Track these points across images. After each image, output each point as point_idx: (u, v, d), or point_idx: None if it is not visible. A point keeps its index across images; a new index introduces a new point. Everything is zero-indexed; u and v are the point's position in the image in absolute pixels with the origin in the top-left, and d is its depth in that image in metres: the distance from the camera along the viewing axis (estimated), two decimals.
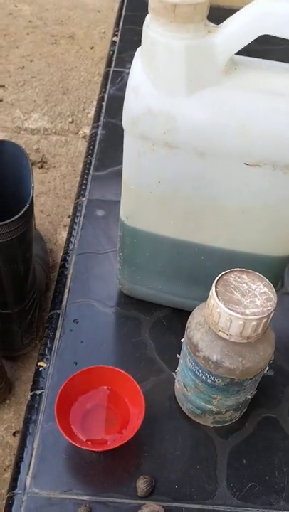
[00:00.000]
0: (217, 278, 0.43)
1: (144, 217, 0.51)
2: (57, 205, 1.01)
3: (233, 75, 0.42)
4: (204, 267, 0.54)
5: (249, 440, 0.53)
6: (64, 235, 0.96)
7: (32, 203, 0.59)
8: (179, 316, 0.63)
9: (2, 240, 0.57)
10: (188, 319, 0.47)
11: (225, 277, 0.43)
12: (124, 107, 0.44)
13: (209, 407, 0.49)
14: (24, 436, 0.53)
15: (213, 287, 0.42)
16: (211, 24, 0.41)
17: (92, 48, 1.46)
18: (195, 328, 0.46)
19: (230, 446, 0.52)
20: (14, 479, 0.50)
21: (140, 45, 0.42)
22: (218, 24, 0.41)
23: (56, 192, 1.03)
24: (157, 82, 0.42)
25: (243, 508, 0.48)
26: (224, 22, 0.40)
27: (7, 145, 0.64)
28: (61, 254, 0.92)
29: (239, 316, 0.40)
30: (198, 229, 0.50)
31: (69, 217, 0.99)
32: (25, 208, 0.56)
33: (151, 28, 0.40)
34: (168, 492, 0.49)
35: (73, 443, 0.46)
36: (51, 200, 1.02)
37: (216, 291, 0.42)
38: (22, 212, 0.56)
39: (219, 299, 0.41)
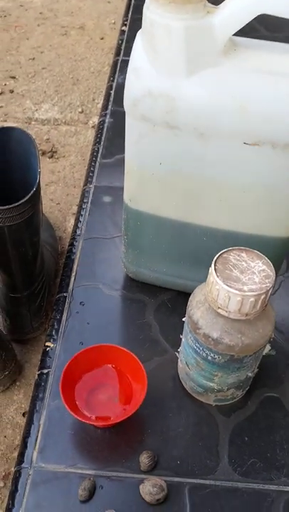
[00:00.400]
0: (216, 256, 0.43)
1: (146, 199, 0.52)
2: (66, 194, 1.02)
3: (233, 55, 0.43)
4: (207, 249, 0.54)
5: (251, 418, 0.54)
6: (73, 223, 0.97)
7: (38, 188, 0.60)
8: (183, 299, 0.63)
9: (9, 224, 0.58)
10: (190, 298, 0.48)
11: (224, 255, 0.44)
12: (125, 89, 0.44)
13: (211, 384, 0.50)
14: (31, 413, 0.54)
15: (213, 265, 0.43)
16: (210, 5, 0.41)
17: (102, 38, 1.47)
18: (195, 307, 0.46)
19: (232, 424, 0.53)
20: (21, 454, 0.52)
21: None
22: (217, 5, 0.42)
23: (66, 181, 1.05)
24: (157, 64, 0.42)
25: (244, 484, 0.49)
26: (223, 2, 0.41)
27: (15, 132, 0.66)
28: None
29: (237, 292, 0.41)
30: (200, 210, 0.51)
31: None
32: (32, 191, 0.58)
33: (151, 10, 0.41)
34: (170, 467, 0.50)
35: (78, 417, 0.48)
36: (61, 189, 1.03)
37: (215, 269, 0.43)
38: (28, 196, 0.57)
39: (218, 276, 0.42)
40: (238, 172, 0.46)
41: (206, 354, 0.47)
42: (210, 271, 0.43)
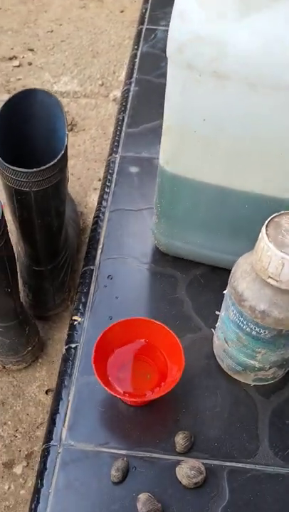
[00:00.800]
0: (268, 220, 0.40)
1: (185, 161, 0.48)
2: (87, 169, 0.99)
3: None
4: (248, 218, 0.51)
5: None
6: (94, 197, 0.94)
7: (66, 151, 0.56)
8: (217, 274, 0.60)
9: (36, 189, 0.55)
10: (233, 269, 0.45)
11: (276, 220, 0.40)
12: (168, 34, 0.40)
13: (252, 362, 0.47)
14: (59, 388, 0.51)
15: (264, 229, 0.39)
16: None
17: (122, 11, 1.42)
18: (240, 277, 0.43)
19: (272, 406, 0.50)
20: (50, 431, 0.49)
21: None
22: None
23: (86, 155, 1.01)
24: (206, 5, 0.38)
25: (287, 469, 0.46)
26: None
27: (38, 94, 0.62)
28: (92, 217, 0.91)
29: None
30: (245, 174, 0.47)
31: (99, 180, 0.96)
32: (61, 154, 0.54)
33: None
34: (207, 449, 0.47)
35: (113, 393, 0.45)
36: (81, 163, 0.99)
37: (266, 234, 0.39)
38: (57, 158, 0.54)
39: (270, 242, 0.38)
40: None
41: (251, 329, 0.43)
42: (260, 236, 0.39)
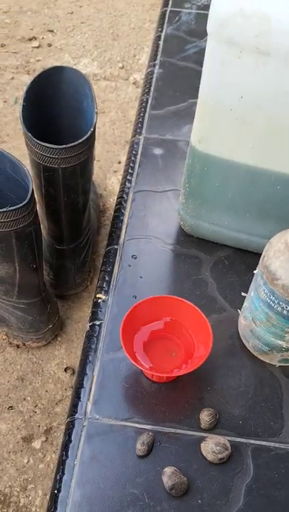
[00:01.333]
0: None
1: (219, 140, 0.48)
2: (106, 151, 0.98)
3: None
4: (279, 199, 0.51)
5: None
6: (114, 180, 0.93)
7: (95, 129, 0.56)
8: (242, 256, 0.60)
9: (64, 166, 0.55)
10: (265, 248, 0.45)
11: None
12: (210, 8, 0.40)
13: (280, 342, 0.47)
14: (84, 364, 0.52)
15: None
16: None
17: None
18: (274, 256, 0.43)
19: None
20: (74, 405, 0.49)
21: None
22: None
23: (106, 138, 1.01)
24: None
25: None
26: None
27: (67, 72, 0.61)
28: (111, 199, 0.91)
29: None
30: (279, 154, 0.46)
31: (119, 162, 0.96)
32: (90, 131, 0.54)
33: None
34: (232, 427, 0.47)
35: (141, 368, 0.45)
36: (101, 145, 0.99)
37: None
38: (87, 135, 0.54)
39: None
40: None
41: (282, 308, 0.43)
42: None
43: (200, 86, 0.45)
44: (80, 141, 0.53)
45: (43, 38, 1.23)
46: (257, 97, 0.43)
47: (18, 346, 0.69)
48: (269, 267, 0.43)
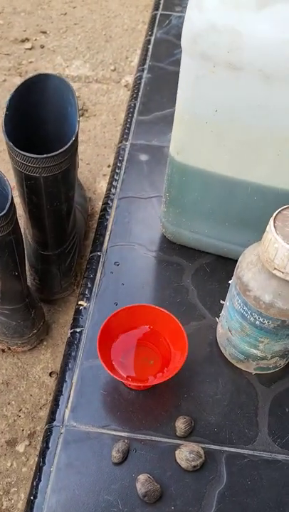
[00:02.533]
0: (276, 213, 0.40)
1: (196, 151, 0.48)
2: (97, 154, 0.99)
3: None
4: (256, 209, 0.51)
5: None
6: (103, 184, 0.94)
7: (77, 138, 0.57)
8: (223, 264, 0.60)
9: (46, 175, 0.55)
10: (239, 259, 0.45)
11: (284, 212, 0.40)
12: (184, 24, 0.40)
13: (254, 351, 0.47)
14: (63, 371, 0.52)
15: (272, 221, 0.39)
16: None
17: None
18: (246, 268, 0.43)
19: (272, 394, 0.51)
20: (53, 412, 0.50)
21: None
22: None
23: (96, 141, 1.01)
24: None
25: (285, 455, 0.47)
26: None
27: (51, 80, 0.62)
28: (100, 203, 0.91)
29: None
30: (255, 165, 0.47)
31: (109, 166, 0.96)
32: (71, 141, 0.55)
33: None
34: (207, 434, 0.48)
35: (116, 377, 0.46)
36: (91, 148, 0.99)
37: (274, 226, 0.39)
38: (67, 145, 0.54)
39: (278, 234, 0.39)
40: None
41: (255, 318, 0.44)
42: (268, 228, 0.40)
43: (176, 99, 0.46)
44: (62, 150, 0.54)
45: (35, 40, 1.23)
46: (231, 110, 0.43)
47: (3, 351, 0.70)
48: (242, 278, 0.43)
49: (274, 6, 0.38)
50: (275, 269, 0.40)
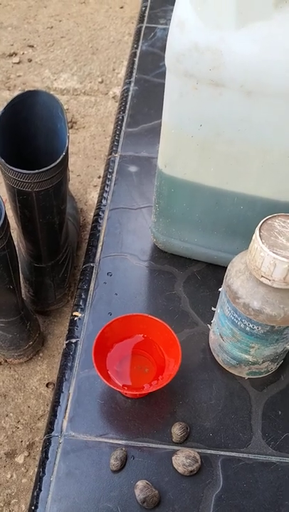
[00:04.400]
0: (261, 222, 0.41)
1: (183, 164, 0.50)
2: (87, 166, 1.00)
3: (285, 9, 0.40)
4: (243, 218, 0.53)
5: (285, 392, 0.52)
6: (94, 195, 0.95)
7: (67, 153, 0.58)
8: (214, 271, 0.62)
9: (38, 189, 0.56)
10: (228, 267, 0.47)
11: (269, 222, 0.42)
12: (167, 44, 0.42)
13: (246, 356, 0.49)
14: (60, 382, 0.53)
15: (257, 231, 0.41)
16: None
17: (121, 7, 1.42)
18: (235, 276, 0.45)
19: (265, 398, 0.52)
20: (51, 422, 0.51)
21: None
22: None
23: (86, 152, 1.02)
24: (204, 15, 0.40)
25: (279, 458, 0.48)
26: None
27: (41, 96, 0.63)
28: (92, 214, 0.92)
29: (284, 259, 0.39)
30: (240, 176, 0.48)
31: (99, 177, 0.98)
32: (62, 155, 0.56)
33: None
34: (203, 439, 0.49)
35: (112, 386, 0.47)
36: (81, 160, 1.01)
37: (260, 235, 0.41)
38: (59, 160, 0.55)
39: (263, 243, 0.40)
40: (284, 135, 0.44)
41: (245, 325, 0.45)
42: (254, 238, 0.41)
43: (162, 114, 0.47)
44: (53, 165, 0.55)
45: (23, 54, 1.24)
46: (215, 124, 0.45)
47: (0, 363, 0.71)
48: (231, 286, 0.45)
49: (253, 24, 0.39)
50: (262, 276, 0.41)
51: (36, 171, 0.54)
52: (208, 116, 0.44)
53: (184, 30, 0.40)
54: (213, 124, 0.45)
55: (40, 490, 0.47)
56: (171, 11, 0.41)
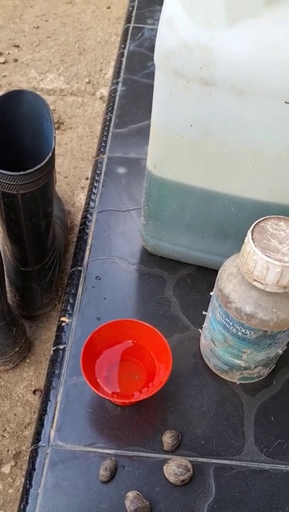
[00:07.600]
0: (253, 225, 0.40)
1: (172, 165, 0.49)
2: (74, 167, 0.98)
3: (276, 7, 0.39)
4: (234, 220, 0.52)
5: (277, 397, 0.51)
6: (82, 196, 0.94)
7: (54, 154, 0.57)
8: (204, 274, 0.61)
9: (24, 192, 0.55)
10: (219, 271, 0.46)
11: (261, 224, 0.41)
12: (156, 42, 0.41)
13: (238, 362, 0.48)
14: (47, 390, 0.52)
15: (249, 234, 0.40)
16: None
17: (108, 7, 1.41)
18: (226, 280, 0.44)
19: (257, 403, 0.51)
20: (38, 432, 0.49)
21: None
22: None
23: (73, 153, 1.01)
24: (194, 13, 0.39)
25: (272, 465, 0.47)
26: None
27: (26, 96, 0.62)
28: (79, 216, 0.91)
29: (277, 263, 0.38)
30: (231, 178, 0.47)
31: (87, 179, 0.96)
32: (48, 157, 0.54)
33: None
34: (194, 447, 0.48)
35: (101, 395, 0.45)
36: (68, 161, 0.99)
37: (252, 238, 0.40)
38: (44, 161, 0.54)
39: (256, 246, 0.39)
40: (276, 136, 0.43)
41: (237, 330, 0.44)
42: (246, 241, 0.40)
43: (151, 114, 0.46)
44: (38, 167, 0.53)
45: (9, 54, 1.22)
46: (206, 124, 0.44)
47: None
48: (223, 290, 0.44)
49: (243, 22, 0.38)
50: (254, 280, 0.40)
51: (22, 172, 0.53)
52: (199, 116, 0.43)
53: (173, 28, 0.39)
54: (203, 124, 0.44)
55: (26, 503, 0.45)
56: (159, 11, 0.40)
